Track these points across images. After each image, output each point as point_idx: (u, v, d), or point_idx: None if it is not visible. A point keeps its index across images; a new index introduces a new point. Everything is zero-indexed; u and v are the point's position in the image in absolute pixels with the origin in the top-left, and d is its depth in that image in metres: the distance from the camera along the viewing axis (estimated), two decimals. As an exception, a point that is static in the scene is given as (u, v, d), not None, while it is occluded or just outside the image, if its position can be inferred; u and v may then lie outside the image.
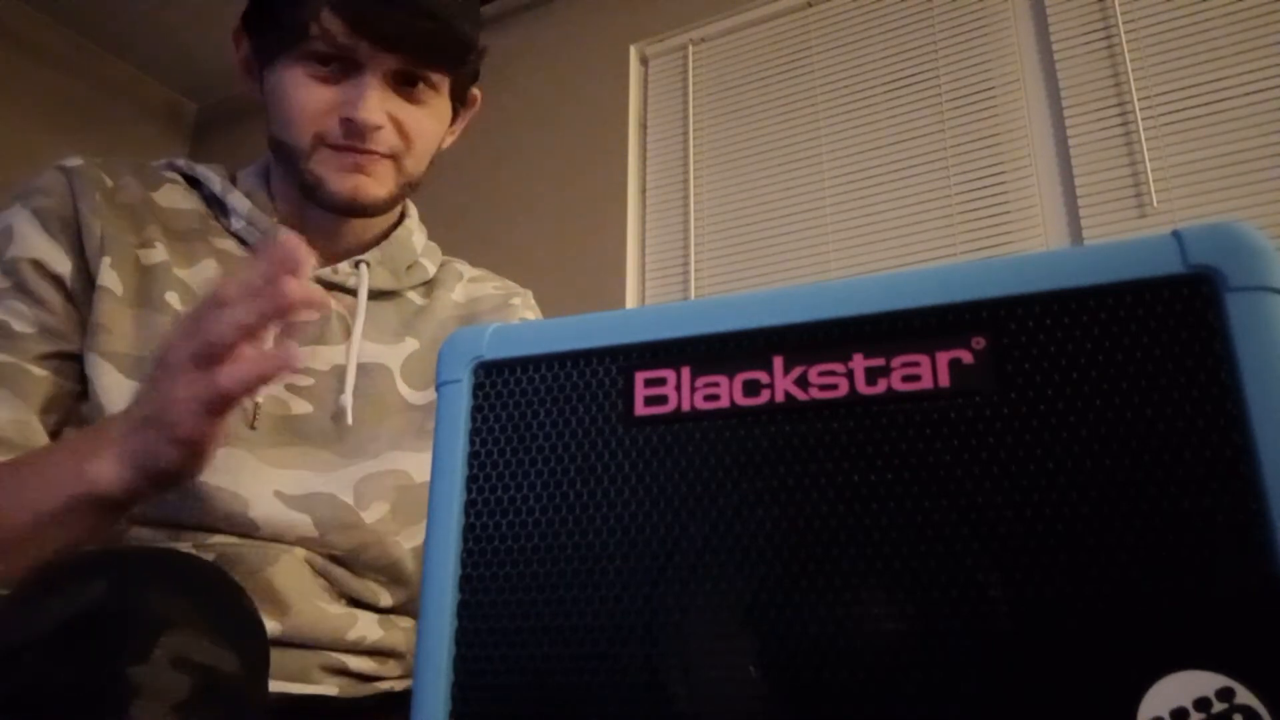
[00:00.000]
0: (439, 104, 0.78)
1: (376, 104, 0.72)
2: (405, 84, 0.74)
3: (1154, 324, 0.32)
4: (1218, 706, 0.28)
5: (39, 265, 0.70)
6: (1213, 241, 0.32)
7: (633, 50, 2.55)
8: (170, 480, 0.55)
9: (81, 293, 0.70)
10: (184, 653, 0.39)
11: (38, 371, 0.68)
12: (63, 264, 0.70)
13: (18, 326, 0.68)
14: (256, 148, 0.83)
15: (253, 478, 0.69)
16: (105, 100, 3.13)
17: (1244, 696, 0.28)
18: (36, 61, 2.93)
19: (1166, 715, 0.29)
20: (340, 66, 0.72)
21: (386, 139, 0.74)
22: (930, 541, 0.32)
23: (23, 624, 0.40)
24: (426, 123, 0.76)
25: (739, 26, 2.40)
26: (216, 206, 0.79)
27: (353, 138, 0.72)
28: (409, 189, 0.78)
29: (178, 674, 0.38)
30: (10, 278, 0.69)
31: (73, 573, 0.42)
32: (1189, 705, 0.29)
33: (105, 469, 0.54)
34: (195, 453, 0.53)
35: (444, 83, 0.77)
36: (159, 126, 3.31)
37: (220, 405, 0.51)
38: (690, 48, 2.46)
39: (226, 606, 0.44)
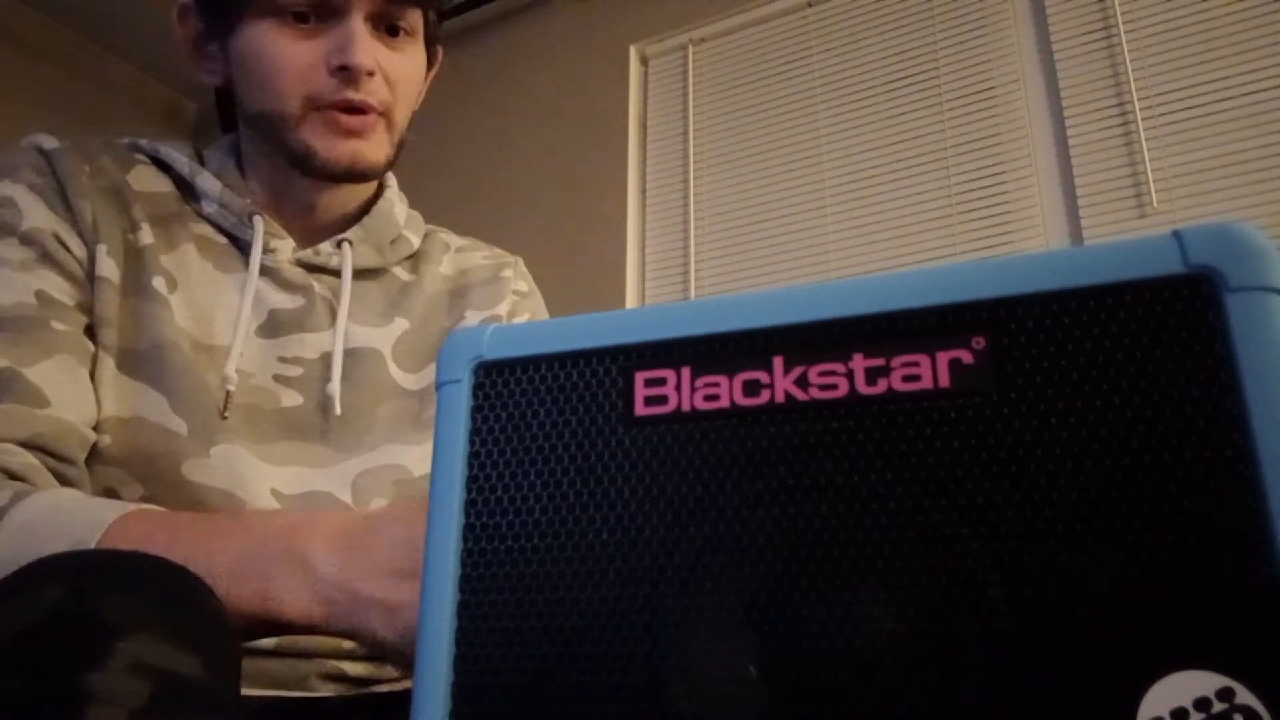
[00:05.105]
0: (417, 52, 0.76)
1: (366, 47, 0.70)
2: (385, 31, 0.73)
3: (1154, 324, 0.32)
4: (1218, 706, 0.28)
5: (59, 240, 0.66)
6: (1213, 241, 0.32)
7: (633, 50, 2.55)
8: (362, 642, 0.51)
9: (89, 278, 0.68)
10: (142, 657, 0.38)
11: (90, 344, 0.66)
12: (77, 245, 0.67)
13: (59, 296, 0.65)
14: (256, 148, 0.82)
15: (250, 476, 0.67)
16: (105, 100, 3.13)
17: (1244, 696, 0.28)
18: (36, 61, 2.94)
19: (1166, 715, 0.29)
20: (317, 18, 0.70)
21: (378, 89, 0.71)
22: (930, 541, 0.32)
23: None
24: (409, 70, 0.75)
25: (739, 26, 2.40)
26: (186, 189, 0.75)
27: (347, 88, 0.69)
28: (400, 150, 0.76)
29: (135, 680, 0.37)
30: (33, 248, 0.65)
31: (28, 579, 0.41)
32: (1189, 705, 0.28)
33: (295, 601, 0.51)
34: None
35: (419, 27, 0.76)
36: (159, 126, 3.31)
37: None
38: (690, 48, 2.46)
39: (189, 608, 0.42)
